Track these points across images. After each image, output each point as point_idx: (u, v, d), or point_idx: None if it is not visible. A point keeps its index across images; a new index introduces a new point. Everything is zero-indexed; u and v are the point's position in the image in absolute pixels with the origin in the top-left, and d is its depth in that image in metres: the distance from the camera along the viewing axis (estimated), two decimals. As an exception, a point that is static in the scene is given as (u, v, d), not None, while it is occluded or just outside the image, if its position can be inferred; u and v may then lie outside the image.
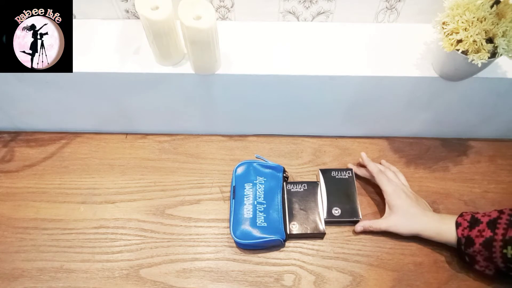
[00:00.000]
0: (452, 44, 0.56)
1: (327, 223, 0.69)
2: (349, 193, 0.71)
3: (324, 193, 0.71)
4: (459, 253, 0.62)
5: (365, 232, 0.68)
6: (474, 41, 0.55)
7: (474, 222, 0.60)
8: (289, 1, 0.67)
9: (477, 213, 0.62)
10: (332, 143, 0.81)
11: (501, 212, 0.59)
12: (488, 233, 0.57)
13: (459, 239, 0.60)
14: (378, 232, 0.68)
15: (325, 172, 0.74)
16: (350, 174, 0.73)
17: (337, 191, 0.72)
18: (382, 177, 0.69)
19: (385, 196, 0.68)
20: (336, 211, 0.69)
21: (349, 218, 0.69)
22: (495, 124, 0.78)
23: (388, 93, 0.70)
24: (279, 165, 0.73)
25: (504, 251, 0.55)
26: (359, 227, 0.68)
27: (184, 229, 0.70)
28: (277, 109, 0.75)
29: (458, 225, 0.61)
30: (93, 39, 0.69)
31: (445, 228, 0.62)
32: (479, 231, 0.58)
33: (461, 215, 0.62)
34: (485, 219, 0.59)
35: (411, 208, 0.65)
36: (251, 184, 0.71)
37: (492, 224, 0.58)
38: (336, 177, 0.73)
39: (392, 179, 0.69)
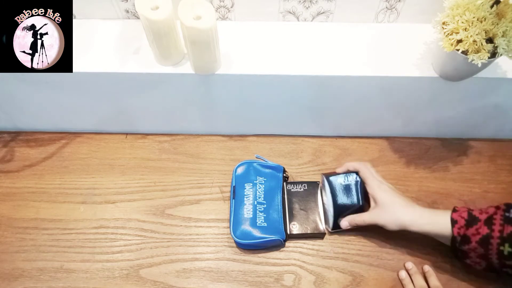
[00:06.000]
0: (452, 44, 0.56)
1: (333, 233, 0.68)
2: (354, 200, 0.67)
3: (330, 202, 0.67)
4: (453, 249, 0.60)
5: (355, 229, 0.67)
6: (474, 41, 0.55)
7: (471, 220, 0.58)
8: (289, 1, 0.67)
9: (473, 210, 0.60)
10: (332, 143, 0.81)
11: (497, 208, 0.58)
12: (484, 230, 0.56)
13: (454, 237, 0.58)
14: (368, 228, 0.65)
15: (330, 178, 0.68)
16: (358, 179, 0.67)
17: (341, 199, 0.67)
18: (366, 171, 0.67)
19: (369, 189, 0.65)
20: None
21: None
22: (495, 124, 0.78)
23: (388, 93, 0.70)
24: (279, 165, 0.73)
25: (501, 248, 0.55)
26: (344, 222, 0.66)
27: (184, 229, 0.70)
28: (277, 109, 0.75)
29: (454, 222, 0.59)
30: (93, 39, 0.69)
31: (438, 224, 0.60)
32: (476, 229, 0.57)
33: (455, 211, 0.60)
34: (483, 217, 0.58)
35: (396, 199, 0.62)
36: (251, 184, 0.70)
37: (489, 221, 0.57)
38: (343, 183, 0.68)
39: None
